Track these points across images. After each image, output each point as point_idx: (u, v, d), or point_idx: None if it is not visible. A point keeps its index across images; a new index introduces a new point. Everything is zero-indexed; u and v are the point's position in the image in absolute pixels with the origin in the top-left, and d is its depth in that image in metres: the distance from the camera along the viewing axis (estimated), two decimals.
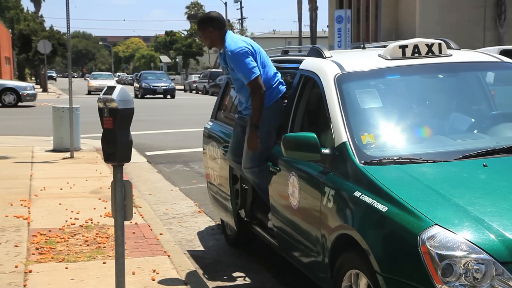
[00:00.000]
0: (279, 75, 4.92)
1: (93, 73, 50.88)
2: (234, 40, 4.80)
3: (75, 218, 6.41)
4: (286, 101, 4.75)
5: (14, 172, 9.12)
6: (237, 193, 5.38)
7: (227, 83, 6.25)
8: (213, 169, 5.91)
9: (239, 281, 5.04)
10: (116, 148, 3.92)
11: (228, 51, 4.75)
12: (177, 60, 75.37)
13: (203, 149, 6.38)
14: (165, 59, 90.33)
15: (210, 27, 4.84)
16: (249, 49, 4.71)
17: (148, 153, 12.09)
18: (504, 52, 9.81)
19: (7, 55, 48.51)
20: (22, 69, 56.41)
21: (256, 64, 4.69)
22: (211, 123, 6.29)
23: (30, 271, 4.74)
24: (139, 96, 38.11)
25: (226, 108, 6.21)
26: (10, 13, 59.06)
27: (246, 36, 76.63)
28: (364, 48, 5.02)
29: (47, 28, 51.71)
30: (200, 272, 5.13)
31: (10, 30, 53.45)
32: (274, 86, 4.84)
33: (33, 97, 25.81)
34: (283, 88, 4.88)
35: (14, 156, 10.65)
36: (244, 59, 4.66)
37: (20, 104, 25.58)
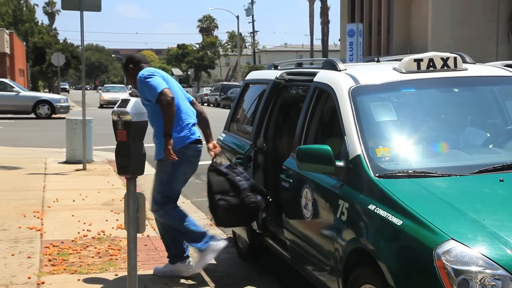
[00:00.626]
0: (192, 120, 5.03)
1: (105, 85, 50.53)
2: (144, 69, 5.00)
3: (88, 230, 6.42)
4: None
5: (28, 183, 9.16)
6: None
7: (240, 96, 6.27)
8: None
9: None
10: (130, 160, 3.93)
11: (138, 79, 4.94)
12: (188, 73, 75.68)
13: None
14: (177, 71, 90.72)
15: (130, 65, 5.14)
16: (156, 73, 4.91)
17: None
18: (508, 67, 9.73)
19: (21, 67, 48.98)
20: (36, 81, 56.92)
21: (161, 81, 4.83)
22: (224, 135, 6.31)
23: (43, 283, 4.74)
24: None
25: (239, 120, 6.22)
26: (25, 26, 59.66)
27: (258, 49, 76.97)
28: (378, 61, 5.01)
29: (61, 41, 52.21)
30: (212, 285, 5.10)
31: (24, 43, 53.99)
32: (183, 125, 4.93)
33: (66, 109, 26.02)
34: (193, 136, 5.00)
35: (27, 168, 10.70)
36: (150, 80, 4.84)
37: (54, 116, 25.77)
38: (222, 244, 5.11)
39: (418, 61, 4.18)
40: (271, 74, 5.58)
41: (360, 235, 3.43)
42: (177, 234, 5.08)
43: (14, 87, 26.04)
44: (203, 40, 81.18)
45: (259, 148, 5.34)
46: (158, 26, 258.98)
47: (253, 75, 6.41)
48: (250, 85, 6.21)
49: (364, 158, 3.62)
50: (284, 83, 5.35)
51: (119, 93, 38.69)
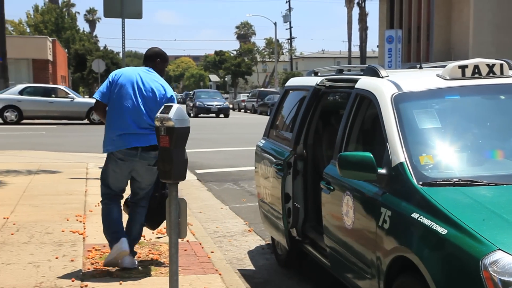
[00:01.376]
0: (118, 132, 5.23)
1: None
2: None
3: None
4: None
5: (70, 187, 9.34)
6: (289, 212, 5.34)
7: (280, 102, 6.28)
8: (265, 187, 5.91)
9: None
10: (172, 166, 3.98)
11: None
12: (226, 79, 76.21)
13: (255, 167, 6.38)
14: (214, 78, 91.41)
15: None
16: (111, 77, 5.32)
17: (198, 171, 12.19)
18: None
19: (63, 74, 50.04)
20: (77, 88, 58.06)
21: (103, 88, 5.28)
22: (263, 141, 6.30)
23: (86, 286, 4.82)
24: (192, 115, 37.65)
25: (278, 126, 6.22)
26: (67, 34, 60.99)
27: (295, 56, 76.94)
28: (421, 68, 4.96)
29: (101, 48, 53.17)
30: None
31: (66, 50, 55.16)
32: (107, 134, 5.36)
33: None
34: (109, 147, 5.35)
35: (69, 172, 10.91)
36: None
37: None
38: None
39: (463, 67, 4.12)
40: (312, 81, 5.56)
41: (402, 243, 3.39)
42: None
43: (69, 93, 26.56)
44: (240, 46, 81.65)
45: (298, 154, 5.32)
46: (196, 33, 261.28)
47: (293, 81, 6.39)
48: (290, 92, 6.20)
49: (407, 166, 3.58)
50: (324, 90, 5.34)
51: None
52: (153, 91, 5.22)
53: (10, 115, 25.01)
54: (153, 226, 5.67)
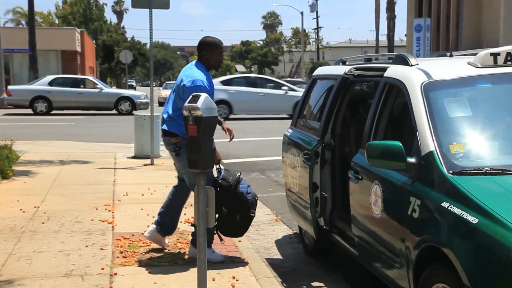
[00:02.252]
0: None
1: (166, 82, 51.14)
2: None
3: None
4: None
5: (99, 177, 9.45)
6: (316, 201, 5.33)
7: (307, 91, 6.25)
8: (293, 176, 5.88)
9: None
10: (200, 155, 3.99)
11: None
12: (252, 69, 76.10)
13: (282, 156, 6.36)
14: (240, 68, 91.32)
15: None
16: None
17: (225, 161, 12.20)
18: None
19: (91, 65, 50.57)
20: (104, 78, 58.63)
21: None
22: (291, 131, 6.27)
23: (115, 274, 4.88)
24: None
25: (306, 116, 6.19)
26: (95, 25, 61.53)
27: (322, 45, 76.47)
28: (451, 56, 4.88)
29: (128, 39, 53.52)
30: (279, 280, 5.11)
31: (94, 41, 55.67)
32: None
33: (146, 105, 26.53)
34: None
35: (98, 162, 11.03)
36: None
37: (134, 112, 26.35)
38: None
39: (495, 55, 4.05)
40: (340, 70, 5.51)
41: (432, 233, 3.36)
42: None
43: (97, 84, 26.83)
44: (267, 36, 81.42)
45: (326, 144, 5.30)
46: (222, 23, 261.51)
47: (321, 70, 6.33)
48: (318, 81, 6.15)
49: (437, 155, 3.54)
50: (352, 79, 5.29)
51: None
52: (178, 83, 5.30)
53: (40, 106, 25.37)
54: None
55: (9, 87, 27.26)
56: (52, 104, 25.46)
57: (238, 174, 5.38)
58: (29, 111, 25.33)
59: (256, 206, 5.42)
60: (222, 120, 5.36)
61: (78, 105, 25.93)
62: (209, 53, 5.35)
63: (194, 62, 5.42)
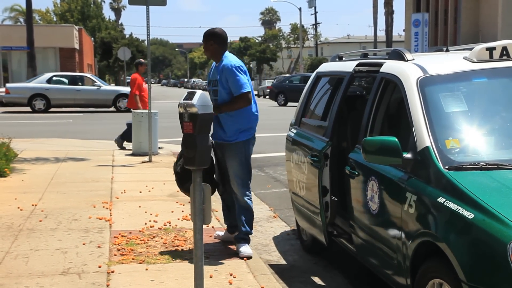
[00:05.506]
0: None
1: (163, 81, 51.02)
2: (233, 57, 5.53)
3: (154, 221, 6.55)
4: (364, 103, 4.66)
5: (96, 175, 9.44)
6: (326, 206, 5.02)
7: (311, 89, 5.97)
8: (299, 179, 5.56)
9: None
10: (196, 152, 3.97)
11: (228, 66, 5.38)
12: (251, 65, 76.04)
13: (286, 158, 6.09)
14: None
15: (212, 41, 5.47)
16: (245, 70, 5.45)
17: None
18: None
19: (89, 62, 50.49)
20: (103, 76, 58.53)
21: (247, 82, 5.38)
22: (294, 131, 5.95)
23: (113, 272, 4.87)
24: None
25: (311, 115, 5.88)
26: (93, 22, 61.36)
27: (320, 41, 76.40)
28: (447, 51, 4.87)
29: (127, 36, 53.41)
30: (276, 277, 5.11)
31: (92, 38, 55.56)
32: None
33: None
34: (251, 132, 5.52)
35: (96, 160, 11.03)
36: (240, 75, 5.37)
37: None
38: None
39: (491, 49, 4.03)
40: (348, 66, 5.22)
41: (428, 228, 3.36)
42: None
43: (95, 81, 26.79)
44: (265, 32, 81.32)
45: (336, 145, 5.08)
46: (221, 19, 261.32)
47: (326, 67, 5.98)
48: (322, 78, 5.89)
49: (433, 150, 3.53)
50: (357, 75, 5.09)
51: None
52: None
53: (38, 103, 25.35)
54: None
55: (7, 85, 27.23)
56: (51, 101, 25.46)
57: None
58: (27, 109, 25.31)
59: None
60: None
61: (76, 102, 25.92)
62: (215, 43, 5.54)
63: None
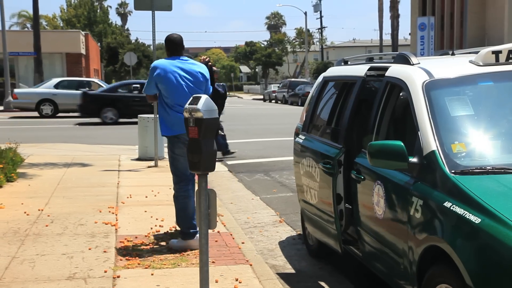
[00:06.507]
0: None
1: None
2: (158, 60, 5.97)
3: (160, 226, 6.54)
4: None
5: (102, 179, 9.45)
6: (341, 214, 4.92)
7: (319, 94, 5.85)
8: (310, 187, 5.43)
9: None
10: (201, 157, 3.97)
11: None
12: (256, 70, 76.16)
13: (295, 166, 5.98)
14: (245, 69, 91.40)
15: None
16: (158, 68, 5.75)
17: (229, 162, 12.21)
18: None
19: (96, 67, 50.64)
20: (109, 81, 58.67)
21: (151, 83, 5.77)
22: (303, 137, 5.84)
23: (118, 277, 4.87)
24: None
25: (321, 121, 5.71)
26: (99, 27, 61.64)
27: (326, 45, 76.40)
28: (453, 54, 4.85)
29: (133, 41, 53.57)
30: (282, 282, 5.10)
31: (98, 43, 55.76)
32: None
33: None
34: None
35: (102, 165, 11.04)
36: (149, 76, 5.85)
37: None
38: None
39: (497, 53, 4.02)
40: (358, 71, 5.10)
41: (435, 233, 3.34)
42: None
43: (103, 86, 26.85)
44: (271, 37, 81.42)
45: (349, 151, 4.93)
46: (226, 24, 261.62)
47: (334, 71, 5.83)
48: (329, 83, 5.80)
49: (439, 154, 3.51)
50: (369, 79, 4.97)
51: None
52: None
53: (46, 108, 25.45)
54: None
55: (15, 90, 27.33)
56: (58, 106, 25.54)
57: None
58: (35, 114, 25.39)
59: None
60: None
61: None
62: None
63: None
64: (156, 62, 5.87)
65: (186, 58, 5.90)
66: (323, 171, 5.01)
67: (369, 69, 4.93)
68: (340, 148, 4.87)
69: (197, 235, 5.52)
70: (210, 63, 6.34)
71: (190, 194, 5.73)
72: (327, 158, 4.96)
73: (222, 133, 12.79)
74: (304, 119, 6.06)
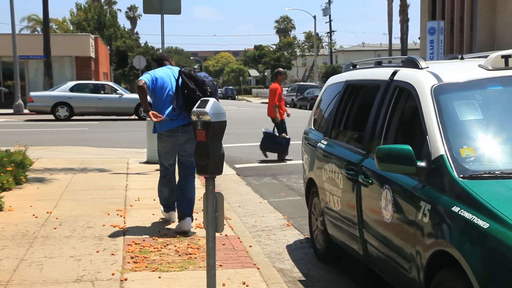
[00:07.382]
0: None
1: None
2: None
3: (168, 229, 6.55)
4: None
5: (111, 182, 9.48)
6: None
7: (341, 98, 5.66)
8: (333, 193, 5.29)
9: None
10: (209, 160, 3.98)
11: None
12: (265, 73, 76.14)
13: (317, 171, 5.81)
14: (253, 73, 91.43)
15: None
16: (149, 73, 6.69)
17: (237, 166, 12.22)
18: None
19: (105, 70, 50.84)
20: (119, 84, 58.97)
21: (146, 75, 6.62)
22: (325, 142, 5.71)
23: (126, 279, 4.87)
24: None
25: (345, 126, 5.53)
26: (109, 31, 61.89)
27: (335, 49, 76.34)
28: (462, 58, 4.83)
29: (142, 44, 53.77)
30: (290, 285, 5.08)
31: (108, 47, 55.98)
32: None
33: None
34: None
35: (110, 168, 11.07)
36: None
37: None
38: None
39: (506, 57, 4.00)
40: (382, 74, 4.89)
41: (443, 237, 3.32)
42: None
43: (117, 90, 26.97)
44: (280, 40, 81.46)
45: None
46: (235, 27, 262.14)
47: (357, 75, 5.64)
48: (352, 86, 5.56)
49: (448, 159, 3.50)
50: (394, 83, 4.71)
51: None
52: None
53: (61, 111, 25.62)
54: None
55: (31, 93, 27.47)
56: (73, 110, 25.70)
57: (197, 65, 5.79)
58: (50, 116, 25.57)
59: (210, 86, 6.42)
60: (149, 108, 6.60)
61: (99, 110, 26.14)
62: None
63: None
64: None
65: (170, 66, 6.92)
66: (346, 178, 4.90)
67: (393, 74, 4.69)
68: (364, 154, 4.72)
69: (175, 212, 6.81)
70: (194, 70, 6.65)
71: (164, 183, 6.98)
72: (350, 164, 4.86)
73: (287, 137, 12.74)
74: (324, 123, 5.93)
